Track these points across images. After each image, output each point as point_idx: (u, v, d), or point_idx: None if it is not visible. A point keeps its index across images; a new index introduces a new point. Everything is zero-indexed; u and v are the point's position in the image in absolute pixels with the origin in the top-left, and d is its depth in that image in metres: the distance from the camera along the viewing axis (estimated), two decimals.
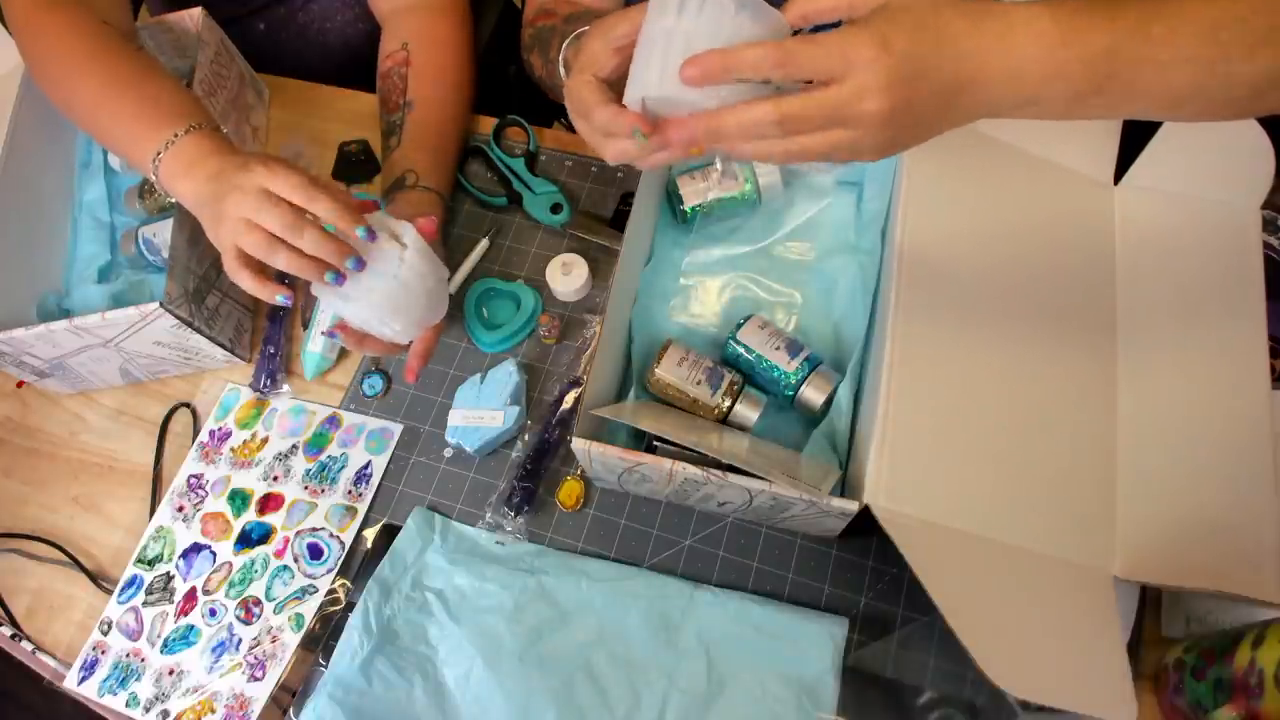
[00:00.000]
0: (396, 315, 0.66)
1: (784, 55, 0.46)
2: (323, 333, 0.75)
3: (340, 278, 0.62)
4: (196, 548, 0.77)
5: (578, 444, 0.62)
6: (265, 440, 0.81)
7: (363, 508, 0.76)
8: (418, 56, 0.86)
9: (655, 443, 0.67)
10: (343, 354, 0.84)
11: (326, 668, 0.69)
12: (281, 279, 0.73)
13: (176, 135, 0.67)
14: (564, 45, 0.70)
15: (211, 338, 0.78)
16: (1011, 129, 0.72)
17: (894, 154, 0.52)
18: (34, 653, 0.75)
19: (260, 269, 0.64)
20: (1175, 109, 0.53)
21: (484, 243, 0.86)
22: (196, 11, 0.87)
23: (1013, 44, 0.48)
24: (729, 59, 0.47)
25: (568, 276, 0.81)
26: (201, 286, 0.78)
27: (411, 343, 0.72)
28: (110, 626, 0.75)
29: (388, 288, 0.64)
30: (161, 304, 0.72)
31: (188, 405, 0.84)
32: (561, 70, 0.70)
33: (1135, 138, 0.71)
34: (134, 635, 0.74)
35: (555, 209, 0.85)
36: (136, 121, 0.69)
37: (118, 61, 0.72)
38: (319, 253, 0.61)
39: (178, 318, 0.74)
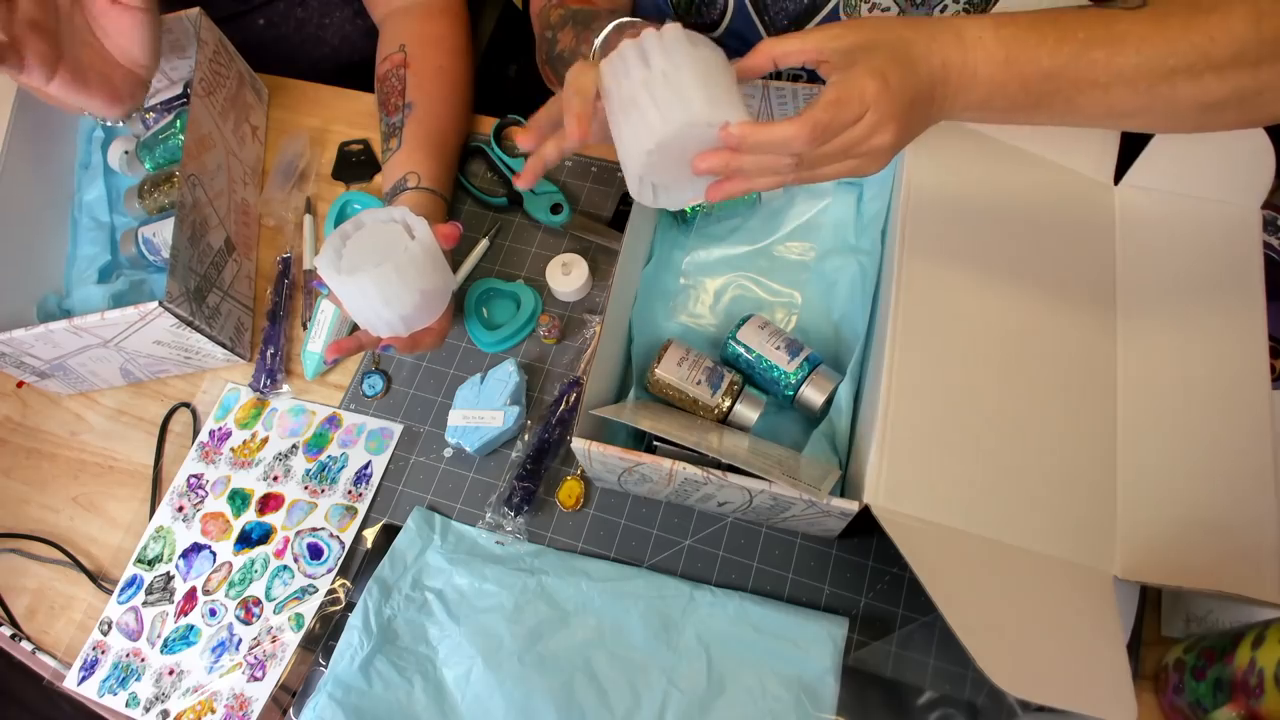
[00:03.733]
0: (386, 304, 0.66)
1: (816, 130, 0.49)
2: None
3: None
4: (196, 548, 0.77)
5: (578, 444, 0.62)
6: (265, 440, 0.81)
7: (363, 508, 0.76)
8: (416, 58, 0.86)
9: (655, 443, 0.67)
10: None
11: (326, 668, 0.69)
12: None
13: None
14: (610, 27, 0.69)
15: (212, 336, 0.78)
16: (1011, 129, 0.72)
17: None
18: (34, 653, 0.75)
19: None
20: (1120, 122, 0.56)
21: (484, 243, 0.86)
22: (194, 11, 0.87)
23: (965, 56, 0.52)
24: (763, 138, 0.49)
25: (568, 276, 0.81)
26: (202, 285, 0.78)
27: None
28: (110, 626, 0.75)
29: (382, 272, 0.64)
30: (161, 303, 0.72)
31: (188, 405, 0.84)
32: (595, 52, 0.70)
33: (1135, 138, 0.71)
34: (134, 635, 0.74)
35: (555, 209, 0.85)
36: None
37: None
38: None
39: (178, 317, 0.74)
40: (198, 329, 0.76)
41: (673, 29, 0.52)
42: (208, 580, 0.75)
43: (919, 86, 0.51)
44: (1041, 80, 0.52)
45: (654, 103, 0.50)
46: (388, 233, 0.68)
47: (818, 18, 0.76)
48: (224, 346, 0.80)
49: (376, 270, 0.64)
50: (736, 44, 0.81)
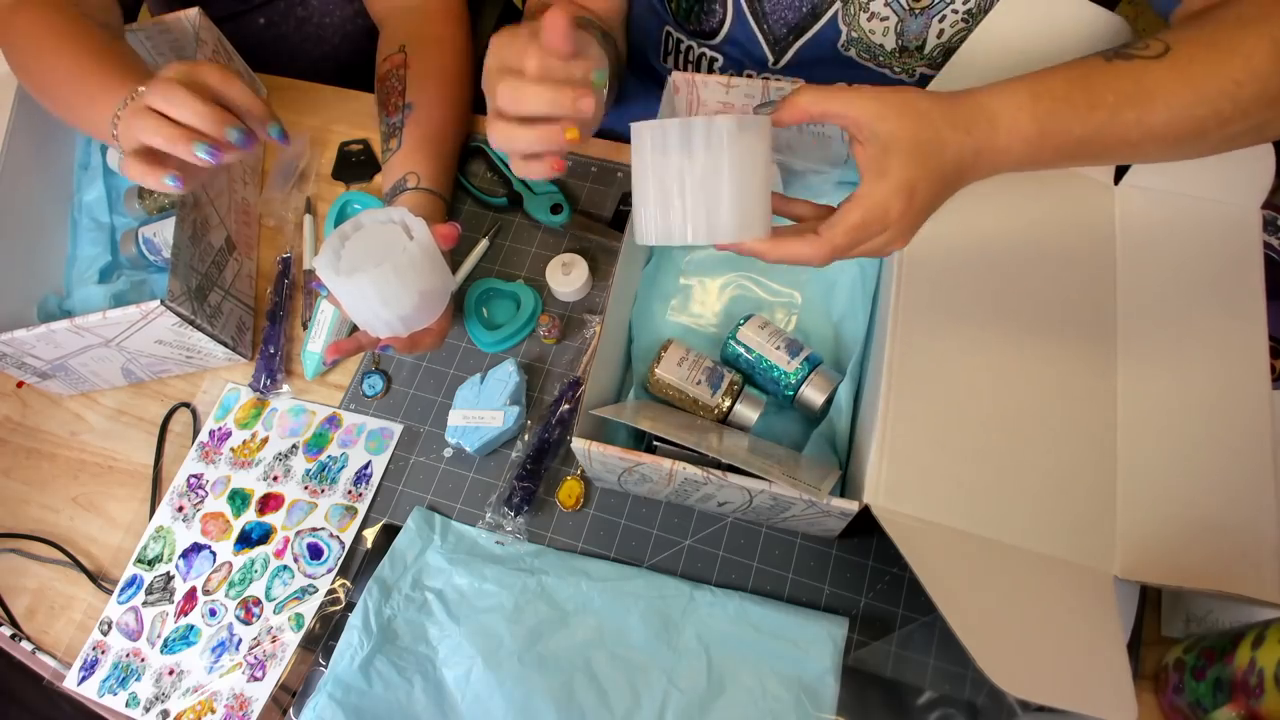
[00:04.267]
0: (385, 305, 0.66)
1: (834, 254, 0.51)
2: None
3: (216, 153, 0.61)
4: (196, 548, 0.77)
5: (578, 444, 0.62)
6: (265, 440, 0.81)
7: (363, 508, 0.76)
8: (416, 58, 0.86)
9: (655, 443, 0.67)
10: None
11: (326, 668, 0.69)
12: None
13: (137, 92, 0.66)
14: None
15: (214, 335, 0.78)
16: None
17: None
18: (34, 653, 0.75)
19: (154, 159, 0.63)
20: (1149, 161, 0.58)
21: (484, 243, 0.86)
22: (193, 11, 0.87)
23: (998, 143, 0.52)
24: (780, 255, 0.51)
25: (568, 276, 0.81)
26: (204, 284, 0.78)
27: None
28: (110, 626, 0.75)
29: (381, 273, 0.64)
30: (163, 301, 0.72)
31: (188, 405, 0.84)
32: None
33: None
34: (134, 635, 0.74)
35: (555, 209, 0.85)
36: (101, 86, 0.68)
37: (88, 40, 0.72)
38: (198, 121, 0.60)
39: (179, 315, 0.74)
40: (199, 328, 0.76)
41: (725, 122, 0.49)
42: (208, 580, 0.75)
43: (943, 189, 0.52)
44: (1075, 146, 0.53)
45: (683, 208, 0.50)
46: (386, 233, 0.68)
47: (817, 25, 0.76)
48: (225, 345, 0.80)
49: (375, 271, 0.64)
50: (735, 51, 0.81)
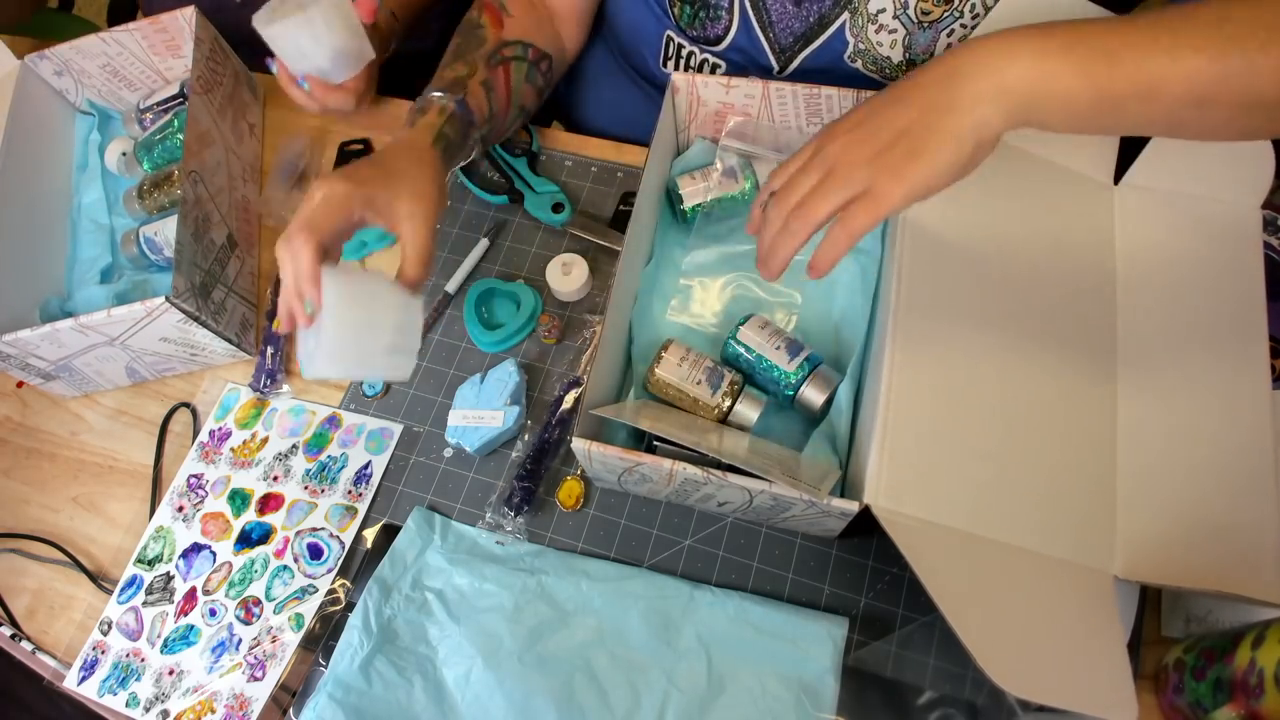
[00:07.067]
0: (316, 43, 0.75)
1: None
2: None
3: None
4: (196, 548, 0.77)
5: (578, 444, 0.62)
6: (265, 440, 0.81)
7: (363, 508, 0.76)
8: None
9: (655, 443, 0.67)
10: None
11: (326, 668, 0.69)
12: None
13: None
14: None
15: (218, 332, 0.78)
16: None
17: (915, 185, 0.53)
18: (34, 653, 0.75)
19: None
20: (1201, 107, 0.50)
21: (484, 243, 0.86)
22: (189, 10, 0.87)
23: (1009, 44, 0.51)
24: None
25: (568, 276, 0.81)
26: (207, 281, 0.78)
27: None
28: (110, 626, 0.75)
29: (307, 17, 0.74)
30: (168, 298, 0.72)
31: (188, 405, 0.84)
32: None
33: (1135, 138, 0.71)
34: (134, 635, 0.74)
35: (556, 208, 0.85)
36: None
37: None
38: None
39: (184, 312, 0.74)
40: (204, 324, 0.76)
41: None
42: (208, 580, 0.75)
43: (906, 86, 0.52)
44: (1103, 59, 0.49)
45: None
46: None
47: (824, 36, 0.75)
48: (230, 342, 0.80)
49: (301, 16, 0.73)
50: (739, 58, 0.81)
